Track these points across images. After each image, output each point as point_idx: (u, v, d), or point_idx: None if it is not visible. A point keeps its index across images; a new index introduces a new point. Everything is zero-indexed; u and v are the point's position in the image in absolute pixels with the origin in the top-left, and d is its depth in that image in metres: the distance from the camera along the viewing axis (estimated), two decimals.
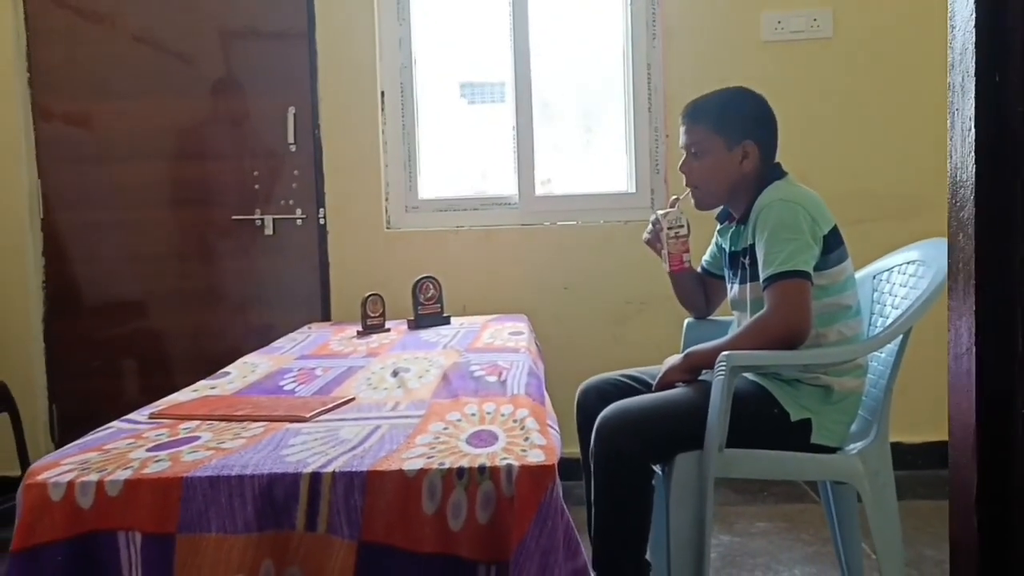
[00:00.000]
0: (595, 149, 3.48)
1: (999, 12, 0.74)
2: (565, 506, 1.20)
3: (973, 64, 0.75)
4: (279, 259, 3.15)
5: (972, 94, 0.75)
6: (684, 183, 1.93)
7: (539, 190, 3.20)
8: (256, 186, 3.14)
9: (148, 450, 1.31)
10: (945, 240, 0.84)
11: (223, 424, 1.47)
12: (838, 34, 3.02)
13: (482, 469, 1.19)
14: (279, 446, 1.31)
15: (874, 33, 3.02)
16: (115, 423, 1.51)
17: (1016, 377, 0.74)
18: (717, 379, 1.64)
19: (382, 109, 3.13)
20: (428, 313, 2.66)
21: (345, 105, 3.09)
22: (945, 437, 0.84)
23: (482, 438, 1.33)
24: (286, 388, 1.80)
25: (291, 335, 2.59)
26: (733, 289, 1.92)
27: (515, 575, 1.14)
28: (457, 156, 3.49)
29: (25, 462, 2.76)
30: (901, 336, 1.74)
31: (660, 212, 2.05)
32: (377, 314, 2.61)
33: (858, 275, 1.92)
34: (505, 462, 1.20)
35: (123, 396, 3.13)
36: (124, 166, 3.14)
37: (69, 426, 3.12)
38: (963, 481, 0.80)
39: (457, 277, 2.96)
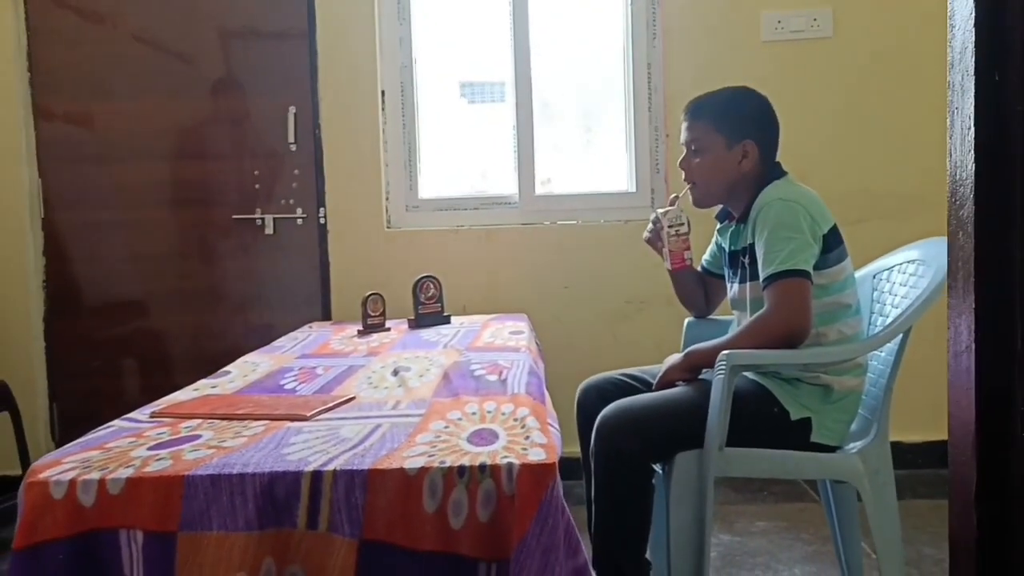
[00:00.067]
0: (595, 149, 3.49)
1: (999, 11, 0.74)
2: (566, 504, 1.20)
3: (973, 63, 0.75)
4: (280, 258, 3.16)
5: (972, 93, 0.76)
6: (683, 179, 1.93)
7: (539, 190, 3.20)
8: (256, 186, 3.14)
9: (149, 449, 1.32)
10: (945, 239, 0.84)
11: (224, 423, 1.47)
12: (838, 34, 3.02)
13: (483, 467, 1.19)
14: (280, 445, 1.31)
15: (874, 33, 3.02)
16: (116, 422, 1.51)
17: (1015, 375, 0.75)
18: (717, 378, 1.64)
19: (382, 109, 3.14)
20: (428, 312, 2.66)
21: (345, 105, 3.09)
22: (945, 436, 0.84)
23: (483, 437, 1.33)
24: (287, 387, 1.80)
25: (292, 334, 2.59)
26: (733, 288, 1.93)
27: (516, 573, 1.15)
28: (457, 155, 3.50)
29: (26, 461, 2.76)
30: (901, 335, 1.75)
31: (660, 210, 2.05)
32: (377, 313, 2.61)
33: (858, 274, 1.92)
34: (506, 460, 1.20)
35: (123, 395, 3.13)
36: (125, 166, 3.15)
37: (69, 425, 3.13)
38: (962, 479, 0.80)
39: (457, 276, 2.96)
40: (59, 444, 3.03)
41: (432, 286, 2.68)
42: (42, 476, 1.21)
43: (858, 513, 1.89)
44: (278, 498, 1.18)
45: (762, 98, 1.87)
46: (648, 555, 1.76)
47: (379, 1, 3.12)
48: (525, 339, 2.29)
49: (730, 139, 1.83)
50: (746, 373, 1.77)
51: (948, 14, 0.80)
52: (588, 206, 3.17)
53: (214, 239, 3.17)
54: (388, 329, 2.59)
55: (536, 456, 1.21)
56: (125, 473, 1.20)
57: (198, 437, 1.38)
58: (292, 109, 3.11)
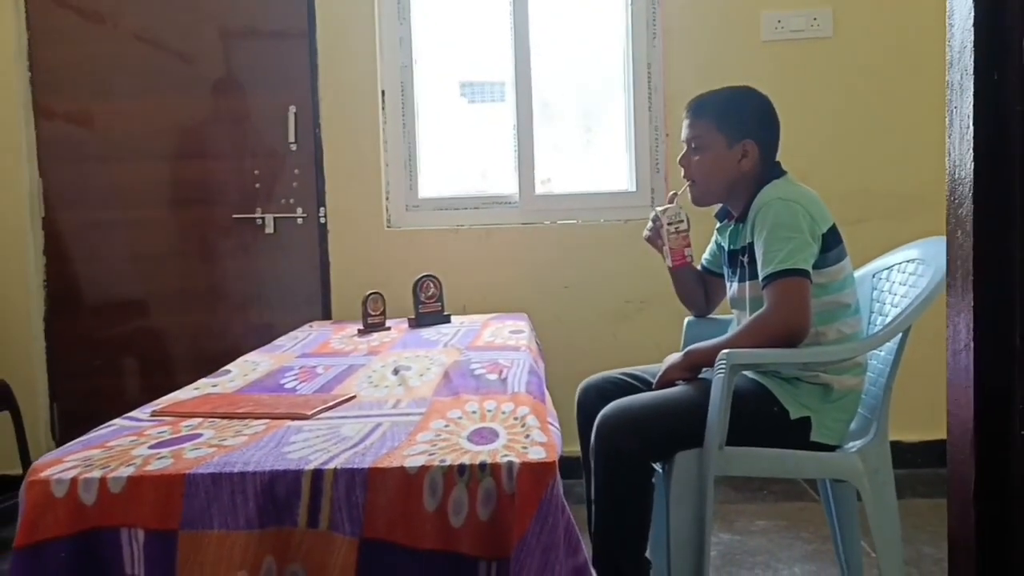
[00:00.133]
0: (595, 148, 3.49)
1: (997, 11, 0.74)
2: (566, 503, 1.20)
3: (972, 62, 0.76)
4: (280, 258, 3.16)
5: (971, 92, 0.76)
6: (682, 176, 1.93)
7: (539, 189, 3.20)
8: (257, 185, 3.14)
9: (150, 447, 1.32)
10: (945, 238, 0.84)
11: (225, 422, 1.48)
12: (838, 33, 3.03)
13: (483, 466, 1.19)
14: (281, 443, 1.31)
15: (874, 32, 3.02)
16: (117, 421, 1.51)
17: (1014, 373, 0.75)
18: (717, 377, 1.65)
19: (383, 108, 3.14)
20: (429, 312, 2.66)
21: (346, 104, 3.09)
22: (944, 436, 0.84)
23: (483, 435, 1.33)
24: (287, 386, 1.80)
25: (292, 333, 2.59)
26: (732, 287, 1.93)
27: (516, 572, 1.15)
28: (457, 155, 3.50)
29: (26, 461, 2.76)
30: (900, 334, 1.75)
31: (659, 208, 2.06)
32: (378, 313, 2.62)
33: (858, 273, 1.92)
34: (506, 459, 1.20)
35: (124, 395, 3.13)
36: (125, 165, 3.15)
37: (70, 425, 3.13)
38: (961, 477, 0.80)
39: (457, 276, 2.96)
40: (59, 443, 3.03)
41: (432, 285, 2.69)
42: (43, 475, 1.21)
43: (858, 512, 1.89)
44: (279, 497, 1.18)
45: (764, 98, 1.87)
46: (648, 554, 1.76)
47: (379, 1, 3.12)
48: (525, 338, 2.29)
49: (730, 138, 1.84)
50: (746, 372, 1.77)
51: (947, 14, 0.80)
52: (588, 206, 3.17)
53: (214, 239, 3.17)
54: (388, 328, 2.59)
55: (536, 455, 1.22)
56: (126, 472, 1.21)
57: (199, 436, 1.38)
58: (292, 109, 3.11)
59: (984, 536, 0.79)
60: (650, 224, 2.09)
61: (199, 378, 1.90)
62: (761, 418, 1.72)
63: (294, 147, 3.13)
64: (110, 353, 3.20)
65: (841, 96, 3.04)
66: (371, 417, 1.48)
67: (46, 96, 3.14)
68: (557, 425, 1.45)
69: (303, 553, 1.18)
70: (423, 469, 1.19)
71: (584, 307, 3.08)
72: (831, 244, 1.74)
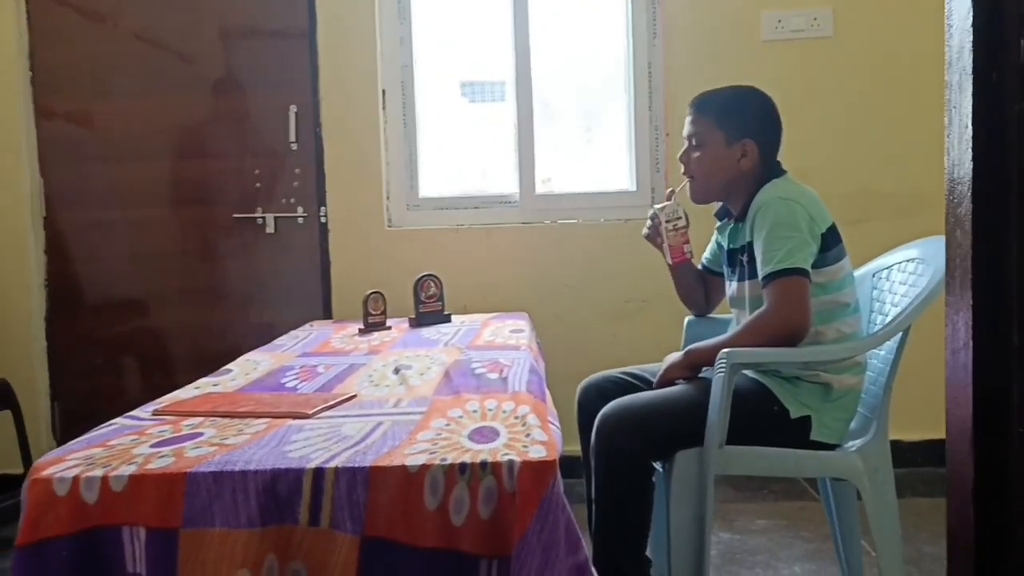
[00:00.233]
0: (595, 148, 3.49)
1: (996, 11, 0.74)
2: (567, 501, 1.21)
3: (970, 62, 0.76)
4: (280, 257, 3.16)
5: (969, 92, 0.76)
6: (682, 173, 1.94)
7: (539, 189, 3.21)
8: (257, 185, 3.15)
9: (152, 446, 1.32)
10: (944, 238, 0.84)
11: (226, 421, 1.48)
12: (838, 33, 3.03)
13: (484, 465, 1.20)
14: (282, 442, 1.32)
15: (874, 32, 3.03)
16: (118, 420, 1.52)
17: (1012, 371, 0.75)
18: (717, 376, 1.65)
19: (383, 108, 3.14)
20: (429, 311, 2.67)
21: (346, 104, 3.10)
22: (944, 435, 0.84)
23: (484, 434, 1.33)
24: (288, 385, 1.81)
25: (293, 333, 2.60)
26: (732, 286, 1.93)
27: (516, 570, 1.15)
28: (458, 155, 3.50)
29: (27, 460, 2.76)
30: (900, 333, 1.75)
31: (658, 206, 2.06)
32: (378, 312, 2.62)
33: (858, 273, 1.93)
34: (507, 458, 1.20)
35: (125, 394, 3.14)
36: (126, 165, 3.15)
37: (71, 424, 3.13)
38: (961, 475, 0.81)
39: (458, 275, 2.96)
40: (60, 443, 3.03)
41: (433, 285, 2.69)
42: (45, 473, 1.22)
43: (858, 511, 1.89)
44: (280, 495, 1.19)
45: (767, 99, 1.87)
46: (648, 553, 1.76)
47: (380, 0, 3.13)
48: (526, 337, 2.30)
49: (730, 136, 1.84)
50: (746, 371, 1.78)
51: (945, 14, 0.80)
52: (588, 205, 3.18)
53: (215, 238, 3.17)
54: (389, 328, 2.60)
55: (537, 453, 1.22)
56: (128, 470, 1.21)
57: (200, 435, 1.38)
58: (293, 108, 3.11)
59: (983, 534, 0.80)
60: (649, 222, 2.09)
61: (200, 378, 1.90)
62: (761, 417, 1.72)
63: (295, 147, 3.13)
64: (111, 352, 3.20)
65: (841, 96, 3.04)
66: (372, 416, 1.48)
67: (47, 96, 3.15)
68: (558, 424, 1.46)
69: (304, 551, 1.19)
70: (424, 468, 1.20)
71: (584, 306, 3.08)
72: (830, 243, 1.75)
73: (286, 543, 1.19)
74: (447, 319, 2.70)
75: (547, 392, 1.72)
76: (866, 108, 3.04)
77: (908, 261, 1.86)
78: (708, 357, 1.71)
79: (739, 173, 1.85)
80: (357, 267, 3.09)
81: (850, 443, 1.78)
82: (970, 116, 0.76)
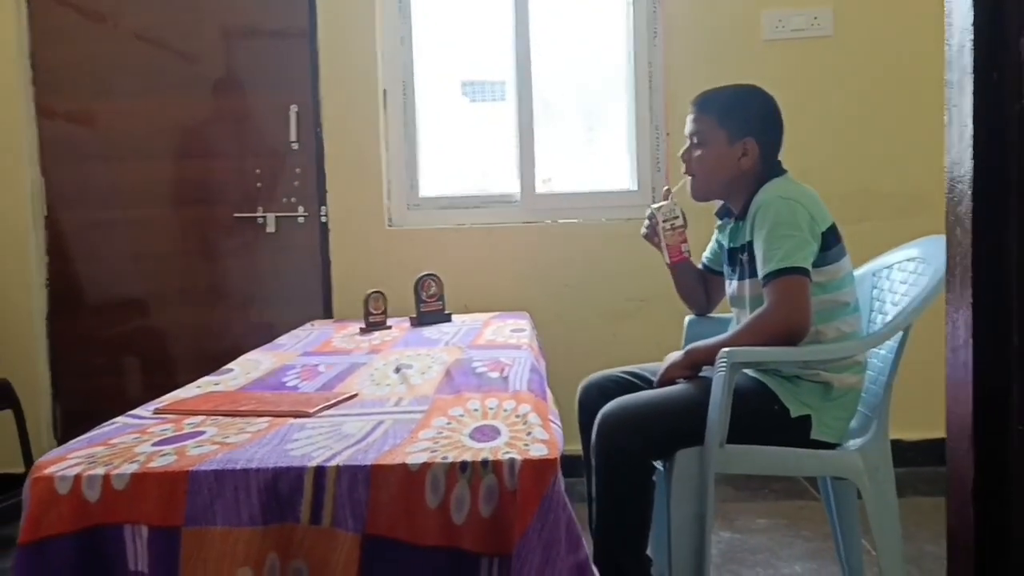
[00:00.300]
0: (596, 147, 3.49)
1: (996, 10, 0.75)
2: (568, 500, 1.21)
3: (970, 61, 0.76)
4: (281, 257, 3.16)
5: (969, 91, 0.76)
6: (683, 171, 1.94)
7: (540, 188, 3.21)
8: (258, 184, 3.15)
9: (154, 444, 1.32)
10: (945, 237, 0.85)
11: (227, 419, 1.48)
12: (839, 32, 3.03)
13: (485, 463, 1.20)
14: (283, 441, 1.32)
15: (875, 31, 3.03)
16: (120, 418, 1.52)
17: (1012, 370, 0.75)
18: (718, 375, 1.65)
19: (384, 107, 3.14)
20: (430, 310, 2.67)
21: (347, 103, 3.10)
22: (945, 434, 0.85)
23: (485, 433, 1.34)
24: (289, 384, 1.81)
25: (294, 332, 2.60)
26: (732, 285, 1.93)
27: (517, 568, 1.15)
28: (458, 154, 3.50)
29: (28, 459, 2.77)
30: (901, 333, 1.75)
31: (655, 205, 2.07)
32: (379, 311, 2.62)
33: (858, 272, 1.93)
34: (508, 456, 1.20)
35: (126, 394, 3.14)
36: (127, 165, 3.16)
37: (72, 423, 3.13)
38: (961, 473, 0.81)
39: (459, 275, 2.97)
40: (61, 442, 3.03)
41: (433, 284, 2.69)
42: (47, 471, 1.22)
43: (858, 510, 1.89)
44: (282, 493, 1.19)
45: (769, 98, 1.88)
46: (649, 552, 1.76)
47: (380, 0, 3.13)
48: (526, 337, 2.30)
49: (732, 135, 1.84)
50: (746, 370, 1.78)
51: (945, 13, 0.81)
52: (589, 204, 3.18)
53: (216, 238, 3.17)
54: (390, 327, 2.60)
55: (538, 452, 1.22)
56: (130, 468, 1.21)
57: (202, 433, 1.38)
58: (294, 108, 3.12)
59: (983, 533, 0.80)
60: (647, 222, 2.09)
61: (200, 377, 1.90)
62: (762, 416, 1.72)
63: (295, 146, 3.13)
64: (112, 352, 3.20)
65: (842, 95, 3.04)
66: (373, 415, 1.48)
67: (48, 96, 3.15)
68: (559, 423, 1.46)
69: (306, 549, 1.19)
70: (425, 466, 1.20)
71: (585, 306, 3.08)
72: (831, 243, 1.75)
73: (288, 541, 1.19)
74: (448, 318, 2.70)
75: (548, 391, 1.72)
76: (866, 108, 3.04)
77: (908, 260, 1.86)
78: (708, 356, 1.71)
79: (740, 172, 1.85)
80: (358, 266, 3.09)
81: (850, 442, 1.78)
82: (970, 115, 0.76)
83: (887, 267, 1.94)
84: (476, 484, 1.19)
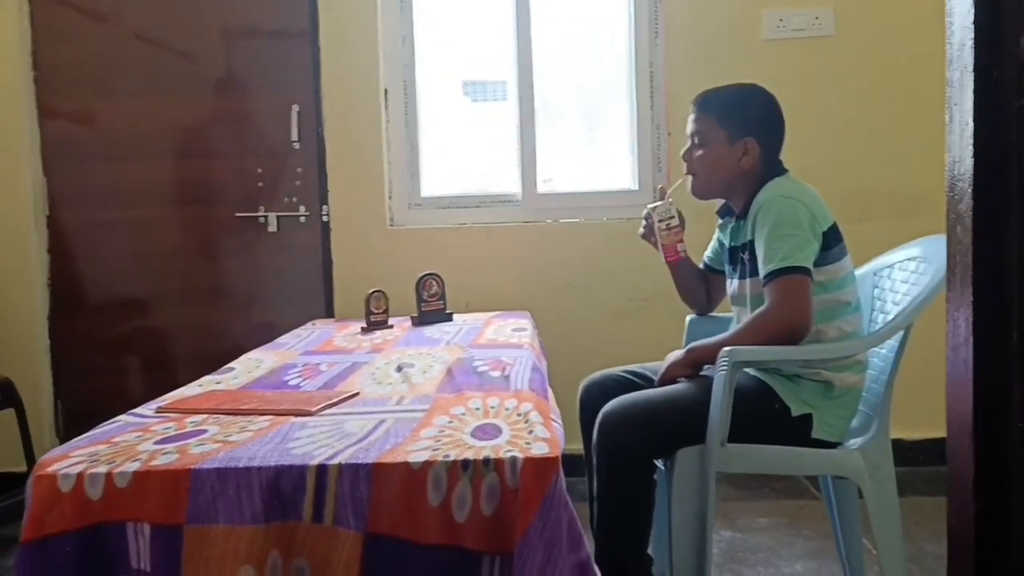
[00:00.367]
0: (597, 147, 3.50)
1: (997, 9, 0.75)
2: (569, 498, 1.21)
3: (971, 60, 0.76)
4: (283, 256, 3.17)
5: (970, 90, 0.77)
6: (684, 171, 1.95)
7: (541, 188, 3.21)
8: (260, 184, 3.15)
9: (156, 443, 1.33)
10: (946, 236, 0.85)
11: (229, 418, 1.48)
12: (840, 32, 3.03)
13: (487, 461, 1.20)
14: (285, 439, 1.32)
15: (876, 31, 3.03)
16: (122, 417, 1.52)
17: (1013, 368, 0.75)
18: (719, 374, 1.65)
19: (385, 107, 3.15)
20: (431, 310, 2.67)
21: (348, 103, 3.10)
22: (945, 434, 0.85)
23: (486, 431, 1.34)
24: (291, 383, 1.81)
25: (295, 331, 2.60)
26: (733, 284, 1.93)
27: (519, 566, 1.16)
28: (460, 154, 3.50)
29: (31, 458, 2.77)
30: (902, 332, 1.75)
31: (650, 205, 2.07)
32: (381, 311, 2.63)
33: (859, 271, 1.93)
34: (509, 454, 1.21)
35: (127, 393, 3.14)
36: (128, 164, 3.16)
37: (74, 423, 3.14)
38: (961, 471, 0.81)
39: (460, 274, 2.97)
40: (63, 441, 3.03)
41: (435, 284, 2.69)
42: (50, 469, 1.22)
43: (859, 509, 1.89)
44: (284, 491, 1.19)
45: (770, 97, 1.88)
46: (650, 551, 1.77)
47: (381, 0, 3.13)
48: (528, 336, 2.30)
49: (732, 135, 1.84)
50: (747, 369, 1.78)
51: (947, 10, 0.81)
52: (590, 204, 3.18)
53: (217, 237, 3.18)
54: (391, 326, 2.60)
55: (539, 450, 1.22)
56: (132, 467, 1.21)
57: (204, 432, 1.39)
58: (295, 107, 3.12)
59: (984, 531, 0.80)
60: (644, 222, 2.10)
61: (202, 376, 1.91)
62: (763, 415, 1.72)
63: (297, 146, 3.14)
64: (113, 351, 3.21)
65: (842, 95, 3.04)
66: (375, 413, 1.49)
67: (49, 95, 3.15)
68: (560, 421, 1.46)
69: (308, 547, 1.19)
70: (427, 464, 1.20)
71: (586, 305, 3.08)
72: (832, 242, 1.75)
73: (290, 539, 1.19)
74: (449, 318, 2.70)
75: (549, 390, 1.72)
76: (867, 107, 3.04)
77: (909, 260, 1.86)
78: (710, 355, 1.72)
79: (740, 171, 1.85)
80: (359, 266, 3.10)
81: (851, 441, 1.78)
82: (971, 113, 0.76)
83: (888, 266, 1.94)
84: (478, 482, 1.19)
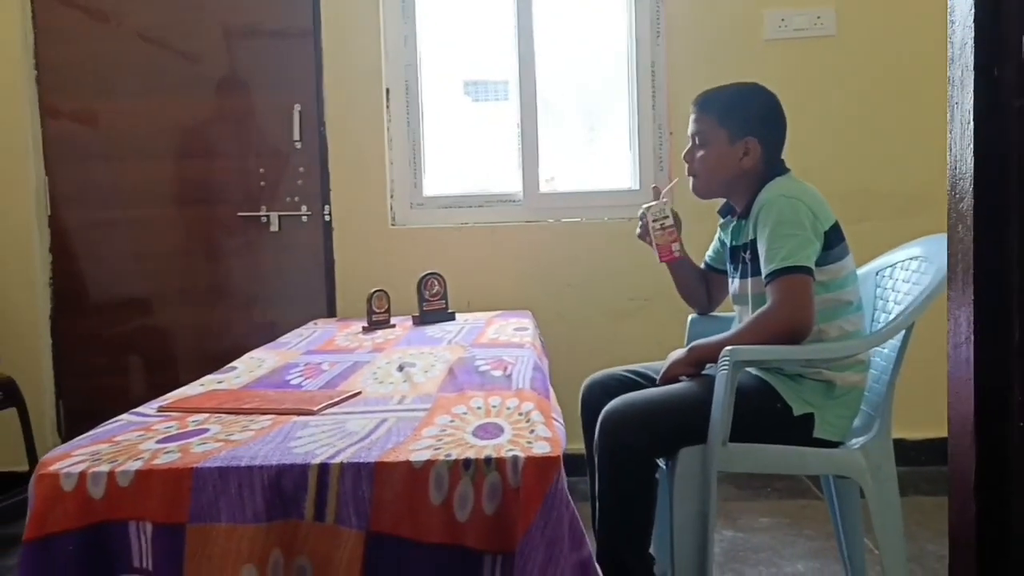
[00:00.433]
0: (599, 147, 3.50)
1: (998, 8, 0.75)
2: (570, 498, 1.21)
3: (972, 59, 0.76)
4: (285, 256, 3.17)
5: (971, 89, 0.77)
6: (686, 172, 1.95)
7: (543, 187, 3.21)
8: (262, 183, 3.15)
9: (158, 442, 1.33)
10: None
11: (231, 417, 1.49)
12: (841, 32, 3.03)
13: (488, 460, 1.20)
14: (287, 438, 1.32)
15: (877, 31, 3.03)
16: (124, 416, 1.52)
17: (1013, 366, 0.75)
18: (721, 373, 1.65)
19: (387, 107, 3.15)
20: (433, 309, 2.68)
21: (350, 103, 3.10)
22: (947, 433, 0.85)
23: (488, 430, 1.34)
24: (293, 383, 1.81)
25: (297, 331, 2.60)
26: (734, 284, 1.93)
27: (520, 565, 1.16)
28: (461, 153, 3.51)
29: (33, 457, 2.78)
30: (904, 331, 1.75)
31: (645, 205, 2.07)
32: (382, 310, 2.63)
33: (861, 271, 1.93)
34: (511, 453, 1.21)
35: (129, 393, 3.15)
36: (130, 164, 3.16)
37: (76, 422, 3.14)
38: (962, 470, 0.81)
39: (462, 274, 2.97)
40: (65, 440, 3.04)
41: (436, 283, 2.70)
42: (52, 468, 1.22)
43: (861, 509, 1.89)
44: (286, 490, 1.19)
45: (771, 96, 1.87)
46: (652, 550, 1.77)
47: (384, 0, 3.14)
48: (529, 335, 2.30)
49: (733, 135, 1.84)
50: (749, 369, 1.78)
51: (948, 11, 0.81)
52: (592, 204, 3.18)
53: (219, 237, 3.18)
54: (393, 326, 2.61)
55: (541, 449, 1.22)
56: (134, 466, 1.22)
57: (206, 431, 1.39)
58: (297, 107, 3.12)
59: (985, 528, 0.80)
60: (640, 222, 2.10)
61: (204, 376, 1.91)
62: (764, 414, 1.72)
63: (299, 145, 3.14)
64: (115, 351, 3.21)
65: (844, 95, 3.04)
66: (376, 413, 1.49)
67: (51, 95, 3.16)
68: (561, 421, 1.46)
69: (310, 546, 1.19)
70: (429, 463, 1.20)
71: (588, 305, 3.08)
72: (833, 242, 1.75)
73: (292, 538, 1.19)
74: (451, 317, 2.70)
75: (551, 389, 1.72)
76: (868, 107, 3.04)
77: (911, 259, 1.86)
78: (712, 354, 1.71)
79: (741, 171, 1.85)
80: (361, 265, 3.10)
81: (853, 441, 1.78)
82: (972, 112, 0.76)
83: (890, 266, 1.94)
84: (479, 481, 1.19)
